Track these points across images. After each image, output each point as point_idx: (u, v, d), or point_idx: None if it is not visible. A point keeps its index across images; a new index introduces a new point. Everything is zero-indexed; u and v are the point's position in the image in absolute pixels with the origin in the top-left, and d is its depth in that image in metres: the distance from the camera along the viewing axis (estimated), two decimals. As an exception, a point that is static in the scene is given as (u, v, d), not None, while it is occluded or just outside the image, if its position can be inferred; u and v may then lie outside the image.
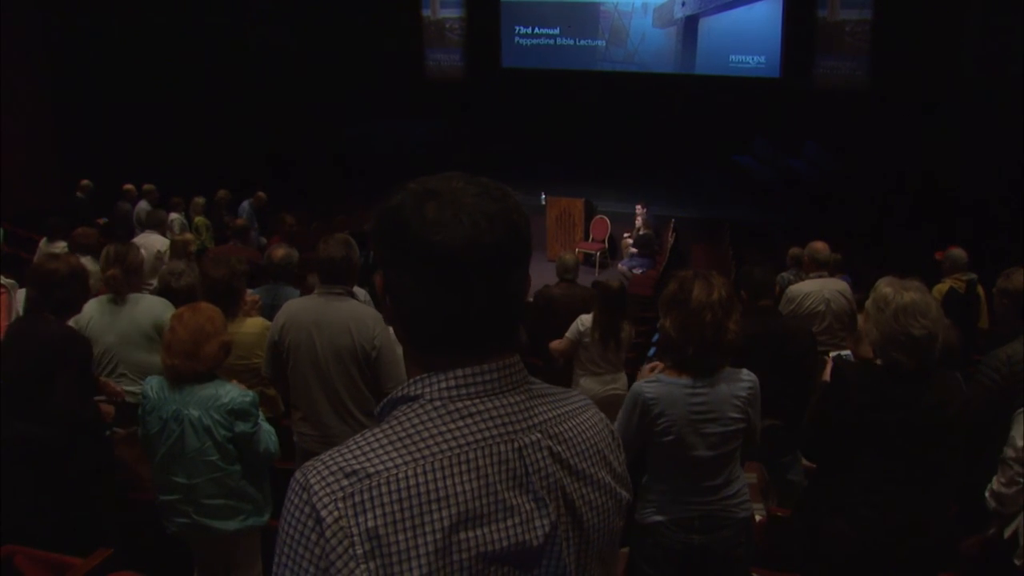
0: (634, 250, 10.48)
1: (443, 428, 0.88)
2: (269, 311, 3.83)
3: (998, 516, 2.48)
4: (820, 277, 4.77)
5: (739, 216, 12.49)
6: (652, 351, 4.70)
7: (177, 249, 5.65)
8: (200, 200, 9.43)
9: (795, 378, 3.43)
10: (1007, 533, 2.46)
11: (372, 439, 0.88)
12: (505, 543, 0.87)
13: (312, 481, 0.85)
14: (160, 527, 2.69)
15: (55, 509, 2.85)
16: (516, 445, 0.91)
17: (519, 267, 0.93)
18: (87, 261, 4.33)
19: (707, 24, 14.43)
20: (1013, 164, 9.86)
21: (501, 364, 0.93)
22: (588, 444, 0.99)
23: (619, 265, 10.60)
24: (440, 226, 0.87)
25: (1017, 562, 2.39)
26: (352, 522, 0.82)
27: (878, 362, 2.27)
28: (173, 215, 8.65)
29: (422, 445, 0.87)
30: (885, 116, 12.10)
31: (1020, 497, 2.41)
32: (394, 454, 0.86)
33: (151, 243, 6.55)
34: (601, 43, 15.15)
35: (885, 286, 2.24)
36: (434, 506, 0.84)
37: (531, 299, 5.48)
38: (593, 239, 11.29)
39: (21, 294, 4.29)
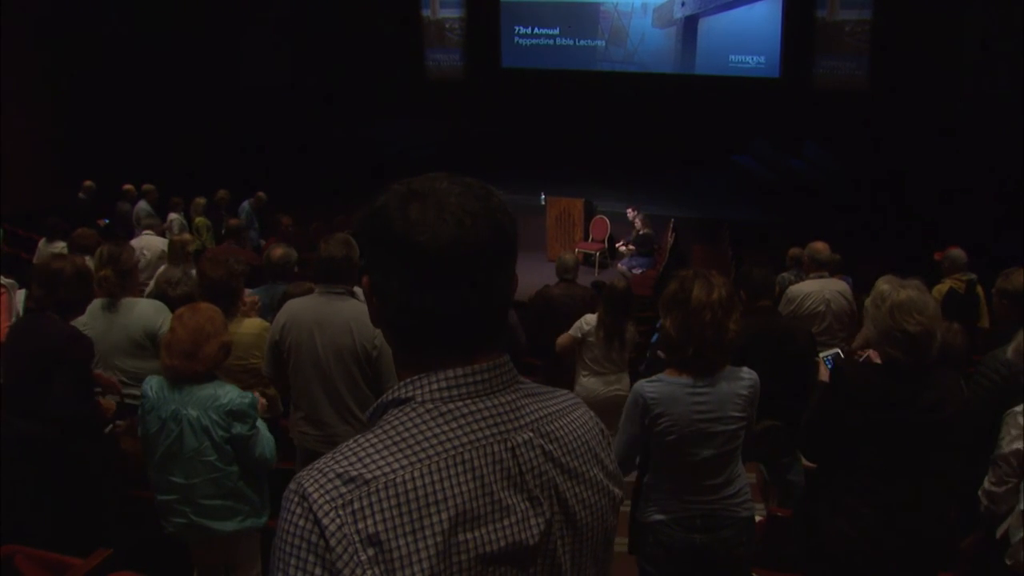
0: (631, 247, 10.49)
1: (437, 430, 0.88)
2: (267, 311, 3.83)
3: (990, 515, 2.49)
4: (820, 277, 4.75)
5: (739, 216, 12.47)
6: (655, 337, 4.63)
7: (175, 249, 5.65)
8: (200, 200, 9.42)
9: (795, 378, 3.42)
10: (999, 532, 2.46)
11: (367, 444, 0.87)
12: (502, 543, 0.87)
13: (310, 490, 0.83)
14: (160, 527, 2.68)
15: (55, 509, 2.85)
16: (509, 445, 0.91)
17: (505, 266, 0.93)
18: (87, 261, 4.32)
19: (707, 24, 14.45)
20: (1013, 164, 9.86)
21: (491, 364, 0.93)
22: (579, 442, 0.99)
23: (619, 265, 10.60)
24: (424, 226, 0.87)
25: (1008, 561, 2.39)
26: (353, 529, 0.81)
27: (872, 358, 2.28)
28: (173, 215, 8.65)
29: (417, 448, 0.86)
30: (885, 116, 12.10)
31: (1011, 497, 2.42)
32: (390, 458, 0.85)
33: (153, 243, 6.54)
34: (601, 43, 15.16)
35: (883, 283, 2.26)
36: (433, 509, 0.84)
37: (531, 299, 5.49)
38: (593, 239, 11.29)
39: (21, 294, 4.29)
